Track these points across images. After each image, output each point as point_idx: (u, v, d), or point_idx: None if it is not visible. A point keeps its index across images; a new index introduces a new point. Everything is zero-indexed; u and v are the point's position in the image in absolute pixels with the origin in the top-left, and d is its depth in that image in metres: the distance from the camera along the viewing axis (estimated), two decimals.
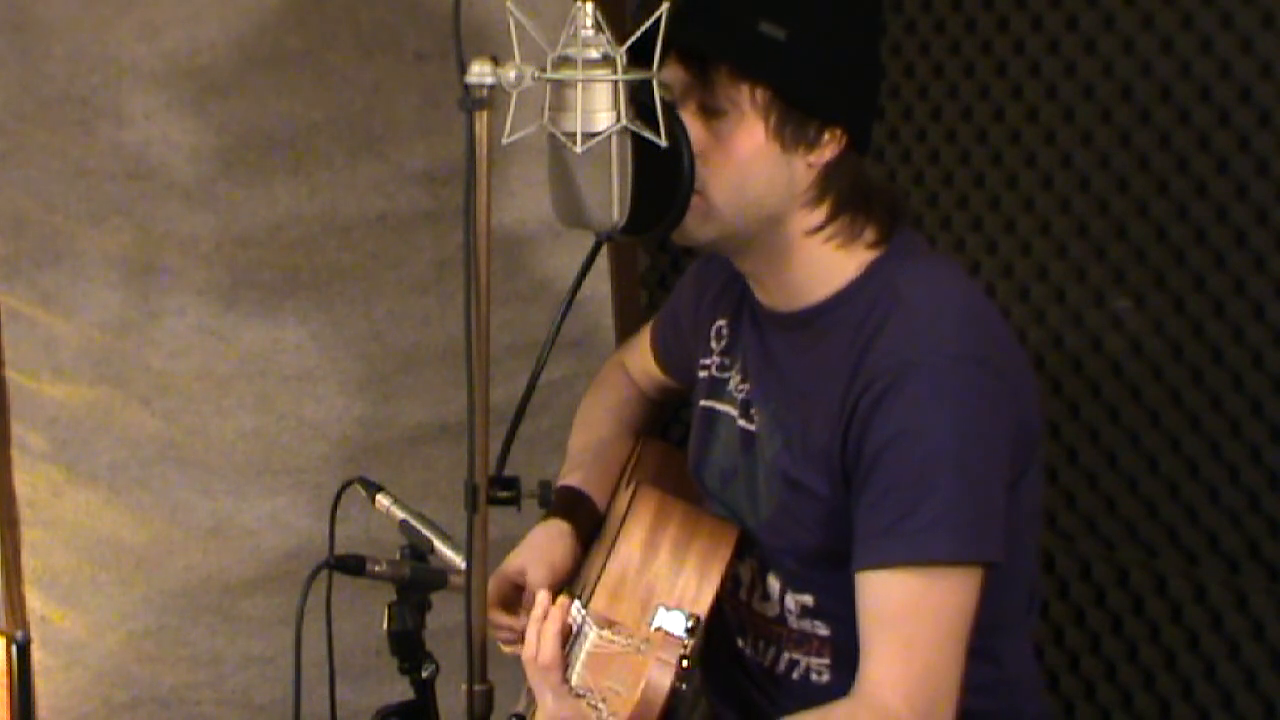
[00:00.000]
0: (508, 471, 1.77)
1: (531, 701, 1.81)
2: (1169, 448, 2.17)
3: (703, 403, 1.90)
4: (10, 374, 2.61)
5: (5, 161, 2.48)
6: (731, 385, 1.85)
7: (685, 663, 1.40)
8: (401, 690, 1.89)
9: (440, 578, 1.87)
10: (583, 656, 1.46)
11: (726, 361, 1.87)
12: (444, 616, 1.89)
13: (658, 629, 1.43)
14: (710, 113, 1.64)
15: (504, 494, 1.75)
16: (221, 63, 2.48)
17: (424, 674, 1.88)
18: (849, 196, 1.68)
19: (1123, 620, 2.26)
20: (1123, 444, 2.21)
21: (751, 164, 1.64)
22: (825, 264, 1.70)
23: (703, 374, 1.91)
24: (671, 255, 2.79)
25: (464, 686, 1.71)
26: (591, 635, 1.47)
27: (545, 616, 1.59)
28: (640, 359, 2.14)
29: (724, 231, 1.68)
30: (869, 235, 1.70)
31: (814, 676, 1.77)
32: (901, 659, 1.57)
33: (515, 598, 1.88)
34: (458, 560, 1.87)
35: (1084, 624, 2.31)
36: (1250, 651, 2.12)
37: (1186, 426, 2.15)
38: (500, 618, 1.89)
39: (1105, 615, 2.28)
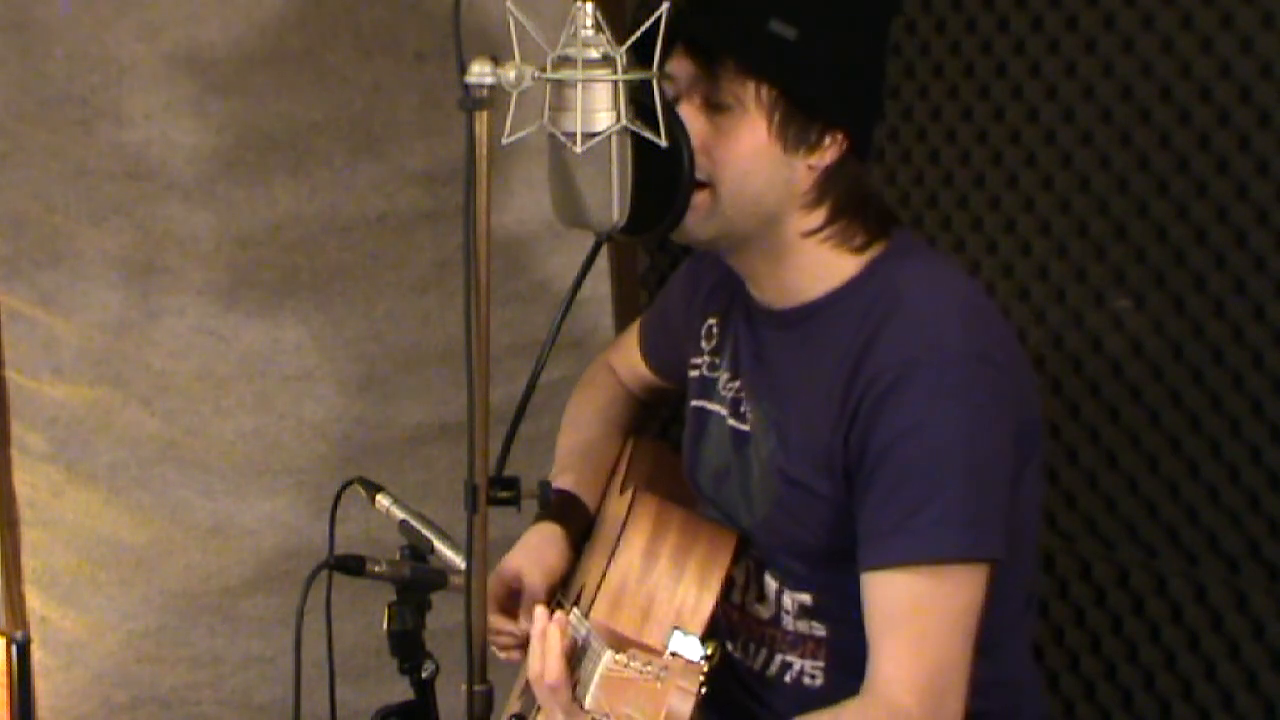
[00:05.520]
0: (508, 471, 1.77)
1: (531, 700, 1.81)
2: (1169, 448, 2.16)
3: (694, 403, 1.90)
4: (10, 374, 2.61)
5: (5, 161, 2.48)
6: (720, 384, 1.84)
7: (703, 689, 1.40)
8: (401, 690, 1.89)
9: (440, 578, 1.87)
10: (596, 679, 1.45)
11: (716, 361, 1.87)
12: (444, 616, 1.89)
13: (674, 654, 1.41)
14: (715, 107, 1.63)
15: (504, 494, 1.75)
16: (221, 63, 2.48)
17: (424, 674, 1.88)
18: (846, 201, 1.68)
19: (1123, 620, 2.26)
20: (1123, 444, 2.21)
21: (753, 160, 1.63)
22: (822, 264, 1.70)
23: (693, 374, 1.91)
24: (671, 255, 2.79)
25: (464, 686, 1.71)
26: (605, 658, 1.46)
27: (544, 634, 1.56)
28: (627, 359, 2.13)
29: (723, 229, 1.67)
30: (859, 240, 1.70)
31: (806, 680, 1.76)
32: (911, 656, 1.57)
33: (512, 601, 1.88)
34: (458, 560, 1.87)
35: (1084, 624, 2.31)
36: (1250, 651, 2.12)
37: (1186, 426, 2.14)
38: (499, 622, 1.88)
39: (1105, 615, 2.28)
